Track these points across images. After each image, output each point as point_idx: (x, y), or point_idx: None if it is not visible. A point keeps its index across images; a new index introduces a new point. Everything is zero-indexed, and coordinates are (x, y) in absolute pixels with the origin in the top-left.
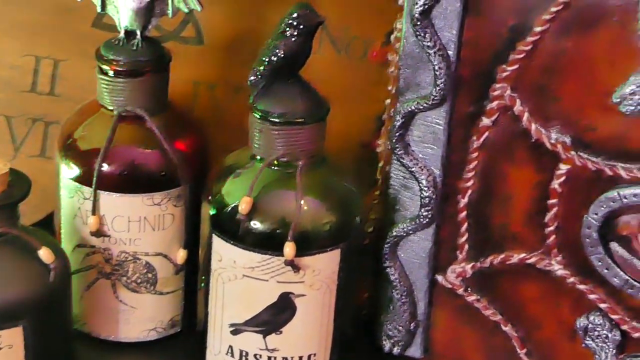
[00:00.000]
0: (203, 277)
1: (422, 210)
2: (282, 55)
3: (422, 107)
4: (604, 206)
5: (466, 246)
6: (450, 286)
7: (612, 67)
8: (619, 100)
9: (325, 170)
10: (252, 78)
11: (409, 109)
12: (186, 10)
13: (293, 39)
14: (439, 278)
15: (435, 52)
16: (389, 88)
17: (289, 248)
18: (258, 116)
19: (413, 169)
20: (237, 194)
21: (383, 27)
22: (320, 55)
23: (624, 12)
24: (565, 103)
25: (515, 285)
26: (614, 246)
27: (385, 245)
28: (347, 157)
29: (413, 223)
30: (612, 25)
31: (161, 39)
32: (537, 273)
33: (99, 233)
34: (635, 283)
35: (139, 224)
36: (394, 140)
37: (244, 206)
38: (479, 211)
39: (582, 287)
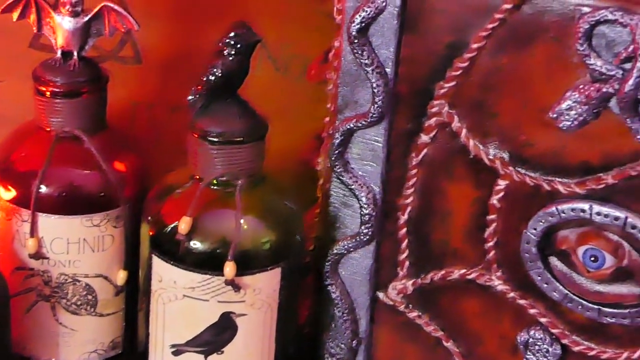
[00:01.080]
0: (143, 298)
1: (363, 228)
2: (220, 75)
3: (360, 125)
4: (543, 221)
5: (407, 263)
6: (391, 303)
7: (549, 82)
8: (555, 115)
9: (265, 189)
10: (191, 97)
11: (348, 127)
12: (123, 30)
13: (231, 58)
14: (380, 295)
15: (373, 70)
16: (328, 106)
17: (229, 268)
18: (197, 136)
19: (353, 187)
20: (176, 214)
21: (322, 45)
22: (260, 73)
23: (559, 28)
24: (503, 119)
25: (456, 301)
26: (553, 261)
27: (326, 263)
28: (287, 175)
29: (353, 240)
30: (547, 41)
31: (99, 59)
32: (477, 288)
33: (37, 255)
34: (575, 297)
35: (78, 246)
36: (333, 158)
37: (183, 226)
38: (419, 228)
39: (522, 301)
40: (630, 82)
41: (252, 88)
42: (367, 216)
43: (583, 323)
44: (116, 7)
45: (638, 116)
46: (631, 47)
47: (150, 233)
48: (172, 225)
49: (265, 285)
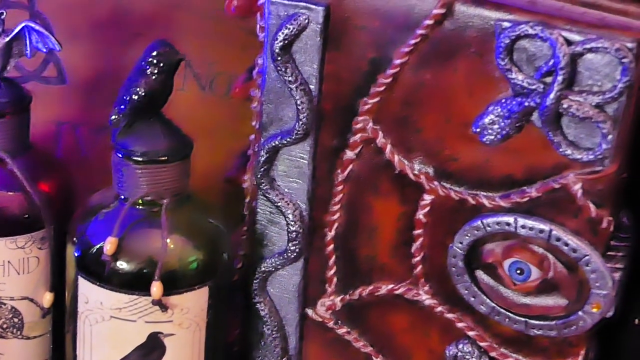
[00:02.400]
0: (70, 320)
1: (290, 245)
2: (143, 94)
3: (285, 142)
4: (468, 235)
5: (335, 279)
6: (320, 320)
7: (471, 97)
8: (478, 130)
9: (191, 208)
10: (113, 117)
11: (273, 144)
12: (44, 50)
13: (154, 77)
14: (309, 312)
15: (296, 87)
16: (253, 123)
17: (156, 287)
18: (120, 155)
19: (279, 204)
20: (102, 235)
21: (246, 63)
22: (185, 91)
23: (480, 42)
24: (427, 134)
25: (384, 317)
26: (480, 274)
27: (254, 281)
28: (213, 193)
29: (281, 258)
30: (469, 56)
31: (22, 80)
32: (405, 303)
33: None
34: (502, 310)
35: (2, 268)
36: (259, 176)
37: (109, 247)
38: (346, 244)
39: (450, 315)
40: (551, 96)
41: (177, 106)
42: (294, 233)
43: (511, 335)
44: (38, 27)
45: (560, 129)
46: (552, 61)
47: (76, 254)
48: (97, 246)
49: (193, 304)
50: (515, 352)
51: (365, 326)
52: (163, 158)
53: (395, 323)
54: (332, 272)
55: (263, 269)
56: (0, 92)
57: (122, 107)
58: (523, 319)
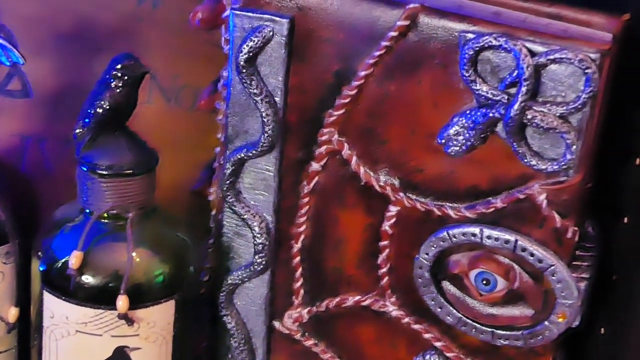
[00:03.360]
0: (35, 335)
1: (256, 257)
2: (108, 107)
3: (251, 154)
4: (434, 246)
5: (301, 291)
6: (287, 332)
7: (436, 108)
8: (443, 141)
9: (157, 221)
10: (78, 130)
11: (239, 157)
12: (8, 64)
13: (118, 90)
14: (276, 324)
15: (262, 99)
16: (219, 136)
17: (122, 301)
18: (85, 169)
19: (245, 216)
20: (67, 249)
21: (211, 75)
22: (150, 104)
23: (444, 54)
24: (392, 146)
25: (351, 328)
26: (446, 285)
27: (221, 294)
28: (179, 206)
29: (248, 270)
30: (434, 68)
31: None
32: (372, 315)
33: None
34: (468, 320)
35: None
36: (224, 188)
37: (74, 261)
38: (312, 256)
39: (417, 326)
40: (515, 106)
41: (143, 119)
42: (260, 245)
43: (477, 346)
44: (1, 41)
45: (524, 140)
46: (515, 72)
47: (41, 268)
48: (62, 260)
49: (159, 318)
50: None
51: (333, 338)
52: (128, 171)
53: (363, 334)
54: (298, 284)
55: (230, 281)
56: None
57: (87, 120)
58: (489, 330)
